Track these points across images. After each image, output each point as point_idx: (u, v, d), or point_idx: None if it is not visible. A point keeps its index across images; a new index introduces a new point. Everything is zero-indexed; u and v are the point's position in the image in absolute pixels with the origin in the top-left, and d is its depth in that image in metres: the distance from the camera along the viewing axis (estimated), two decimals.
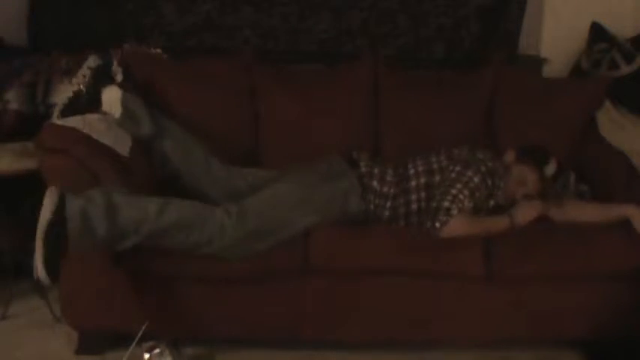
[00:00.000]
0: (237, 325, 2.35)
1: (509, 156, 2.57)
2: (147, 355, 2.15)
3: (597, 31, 3.17)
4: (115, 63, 2.76)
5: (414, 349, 2.47)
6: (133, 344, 2.15)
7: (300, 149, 2.77)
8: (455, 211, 2.31)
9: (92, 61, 2.43)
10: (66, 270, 2.28)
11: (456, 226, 2.30)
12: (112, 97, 2.35)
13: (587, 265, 2.33)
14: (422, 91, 2.89)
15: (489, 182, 2.44)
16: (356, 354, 2.45)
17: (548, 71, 3.27)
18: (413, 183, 2.44)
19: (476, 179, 2.40)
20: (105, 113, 2.36)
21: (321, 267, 2.28)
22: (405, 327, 2.38)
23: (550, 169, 2.52)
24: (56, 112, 2.37)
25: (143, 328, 2.15)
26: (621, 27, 3.18)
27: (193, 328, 2.34)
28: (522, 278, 2.35)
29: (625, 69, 2.99)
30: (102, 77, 2.42)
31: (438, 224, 2.29)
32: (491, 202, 2.46)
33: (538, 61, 3.27)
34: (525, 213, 2.37)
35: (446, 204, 2.32)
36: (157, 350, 2.16)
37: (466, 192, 2.36)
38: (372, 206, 2.40)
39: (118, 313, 2.29)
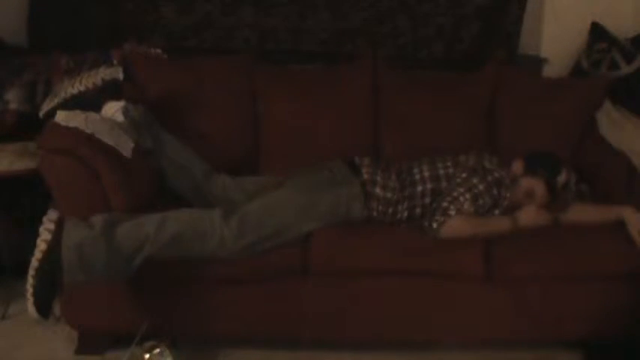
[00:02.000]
0: (237, 325, 2.35)
1: (517, 167, 2.49)
2: (147, 355, 2.15)
3: (597, 31, 3.17)
4: (115, 63, 2.77)
5: (414, 349, 2.47)
6: (133, 344, 2.15)
7: (300, 149, 2.77)
8: (453, 212, 2.30)
9: (106, 74, 2.42)
10: None
11: (453, 226, 2.28)
12: (113, 107, 2.35)
13: (587, 266, 2.33)
14: (422, 91, 2.89)
15: (495, 192, 2.42)
16: (356, 354, 2.45)
17: (548, 71, 3.27)
18: (419, 188, 2.42)
19: (481, 187, 2.38)
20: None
21: (321, 268, 2.28)
22: (405, 327, 2.38)
23: (560, 180, 2.45)
24: (53, 102, 2.36)
25: (143, 328, 2.15)
26: (621, 27, 3.18)
27: (193, 328, 2.34)
28: (522, 278, 2.35)
29: (625, 69, 2.99)
30: (110, 91, 2.42)
31: (435, 224, 2.29)
32: (497, 212, 2.44)
33: (538, 61, 3.27)
34: (529, 219, 2.34)
35: (444, 204, 2.32)
36: (157, 350, 2.16)
37: (468, 195, 2.34)
38: (374, 213, 2.40)
39: (118, 313, 2.29)
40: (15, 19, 3.03)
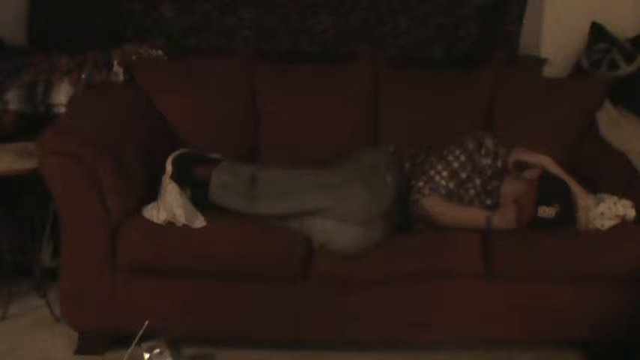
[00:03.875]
0: (237, 325, 2.35)
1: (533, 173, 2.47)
2: (147, 355, 2.15)
3: (597, 31, 3.17)
4: (115, 63, 2.77)
5: (414, 349, 2.47)
6: (133, 344, 2.15)
7: (300, 149, 2.77)
8: (426, 191, 2.39)
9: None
10: (66, 270, 2.29)
11: (426, 205, 2.38)
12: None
13: (588, 267, 2.33)
14: (422, 91, 2.89)
15: (476, 157, 2.48)
16: (356, 354, 2.45)
17: (548, 71, 3.27)
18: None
19: (462, 157, 2.45)
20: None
21: (322, 278, 2.29)
22: (404, 327, 2.38)
23: (546, 210, 2.36)
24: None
25: (143, 328, 2.15)
26: (621, 27, 3.18)
27: (193, 328, 2.34)
28: (522, 279, 2.35)
29: (625, 69, 2.99)
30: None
31: (410, 202, 2.41)
32: (488, 202, 2.47)
33: (538, 61, 3.27)
34: (501, 222, 2.36)
35: (420, 183, 2.41)
36: (157, 350, 2.16)
37: (445, 173, 2.42)
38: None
39: (118, 313, 2.29)
40: (15, 19, 3.03)
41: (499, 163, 2.53)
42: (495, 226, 2.35)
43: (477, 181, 2.48)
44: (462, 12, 3.23)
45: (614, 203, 2.40)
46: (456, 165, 2.45)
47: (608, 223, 2.38)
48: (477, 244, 2.32)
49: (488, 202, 2.48)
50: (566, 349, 2.54)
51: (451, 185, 2.43)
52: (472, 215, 2.41)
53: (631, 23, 3.21)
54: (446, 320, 2.38)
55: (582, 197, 2.42)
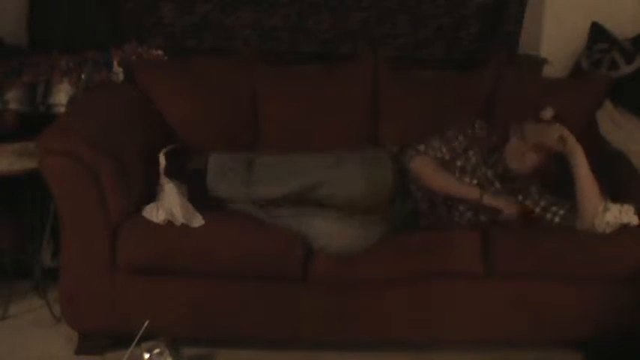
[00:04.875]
0: (237, 325, 2.35)
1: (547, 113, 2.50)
2: (147, 355, 2.15)
3: (597, 31, 3.18)
4: (115, 63, 2.77)
5: (414, 349, 2.47)
6: (133, 344, 2.15)
7: (299, 149, 2.76)
8: (422, 147, 2.48)
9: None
10: (66, 270, 2.29)
11: (418, 162, 2.43)
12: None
13: (588, 267, 2.33)
14: (422, 91, 2.89)
15: (469, 131, 2.56)
16: (356, 354, 2.45)
17: (548, 71, 3.27)
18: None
19: (454, 130, 2.54)
20: None
21: (321, 279, 2.29)
22: (405, 327, 2.38)
23: (546, 113, 2.45)
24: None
25: (143, 328, 2.15)
26: (621, 27, 3.18)
27: (193, 328, 2.34)
28: (522, 279, 2.35)
29: (625, 69, 2.99)
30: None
31: (406, 158, 2.45)
32: (489, 173, 2.48)
33: (538, 61, 3.27)
34: (498, 201, 2.39)
35: (416, 145, 2.51)
36: (157, 350, 2.16)
37: (437, 136, 2.52)
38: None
39: (118, 313, 2.29)
40: (15, 19, 3.03)
41: (494, 138, 2.55)
42: (486, 202, 2.38)
43: (476, 148, 2.52)
44: (462, 12, 3.23)
45: (620, 212, 2.37)
46: (449, 134, 2.54)
47: (610, 229, 2.37)
48: (477, 244, 2.32)
49: (489, 173, 2.49)
50: (566, 349, 2.54)
51: (444, 150, 2.49)
52: (466, 188, 2.43)
53: (631, 23, 3.21)
54: (446, 320, 2.38)
55: (596, 204, 2.37)
